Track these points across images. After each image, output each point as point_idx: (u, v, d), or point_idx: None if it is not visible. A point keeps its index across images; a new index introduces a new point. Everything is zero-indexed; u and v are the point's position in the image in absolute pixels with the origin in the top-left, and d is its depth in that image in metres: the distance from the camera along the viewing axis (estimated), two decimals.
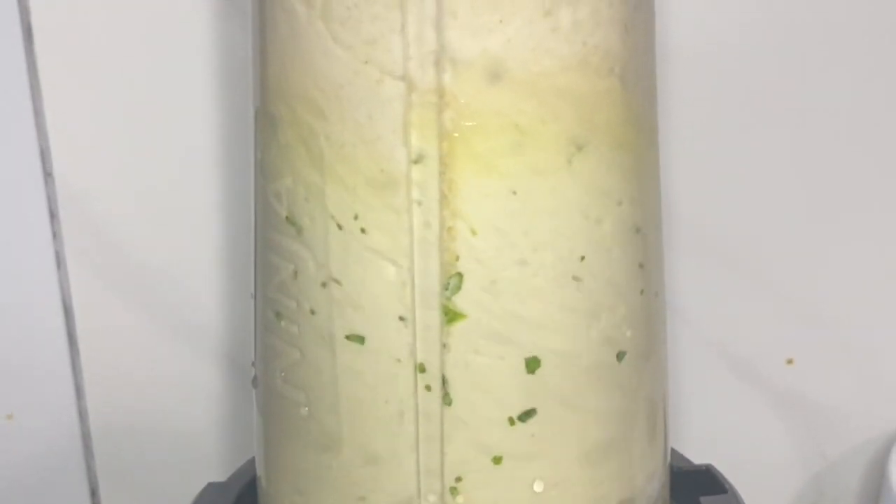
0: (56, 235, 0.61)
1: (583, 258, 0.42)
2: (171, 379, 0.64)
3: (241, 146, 0.60)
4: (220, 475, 0.54)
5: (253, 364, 0.48)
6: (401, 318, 0.42)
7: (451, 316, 0.41)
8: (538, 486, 0.44)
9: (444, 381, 0.42)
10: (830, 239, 0.64)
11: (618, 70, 0.42)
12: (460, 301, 0.41)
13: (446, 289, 0.41)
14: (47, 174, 0.60)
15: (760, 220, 0.64)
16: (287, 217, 0.43)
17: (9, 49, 0.58)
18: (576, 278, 0.42)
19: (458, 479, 0.43)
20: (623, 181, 0.43)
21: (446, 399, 0.42)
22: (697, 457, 0.54)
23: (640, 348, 0.45)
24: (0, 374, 0.63)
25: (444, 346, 0.42)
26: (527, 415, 0.43)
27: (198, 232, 0.62)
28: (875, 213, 0.64)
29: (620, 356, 0.44)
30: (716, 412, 0.67)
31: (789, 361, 0.67)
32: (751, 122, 0.62)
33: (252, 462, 0.52)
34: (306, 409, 0.44)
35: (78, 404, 0.64)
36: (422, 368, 0.42)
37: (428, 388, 0.42)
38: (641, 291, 0.45)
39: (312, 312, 0.43)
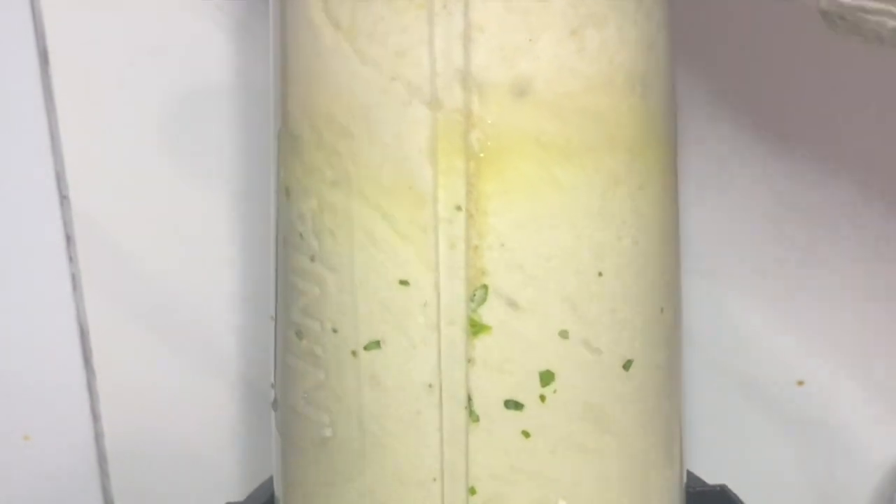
0: (72, 258, 0.60)
1: (601, 274, 0.42)
2: (187, 400, 0.63)
3: (257, 169, 0.59)
4: (236, 496, 0.54)
5: (273, 386, 0.47)
6: (426, 337, 0.41)
7: (476, 329, 0.41)
8: None
9: (469, 399, 0.41)
10: (841, 260, 0.63)
11: (640, 89, 0.42)
12: (485, 314, 0.41)
13: (472, 300, 0.41)
14: (63, 197, 0.59)
15: (770, 240, 0.63)
16: (311, 238, 0.42)
17: (24, 72, 0.57)
18: (594, 294, 0.42)
19: (479, 493, 0.42)
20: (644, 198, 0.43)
21: (472, 416, 0.42)
22: (706, 479, 0.53)
23: (657, 366, 0.45)
24: (17, 395, 0.62)
25: (469, 361, 0.41)
26: (544, 431, 0.42)
27: (214, 254, 0.61)
28: (887, 234, 0.63)
29: (628, 366, 0.43)
30: (724, 434, 0.66)
31: (800, 383, 0.66)
32: (759, 140, 0.61)
33: (269, 482, 0.51)
34: (329, 430, 0.44)
35: (94, 426, 0.63)
36: (447, 386, 0.41)
37: (453, 405, 0.42)
38: (661, 310, 0.44)
39: (335, 331, 0.42)
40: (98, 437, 0.64)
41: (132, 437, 0.64)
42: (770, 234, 0.63)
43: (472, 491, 0.42)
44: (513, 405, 0.42)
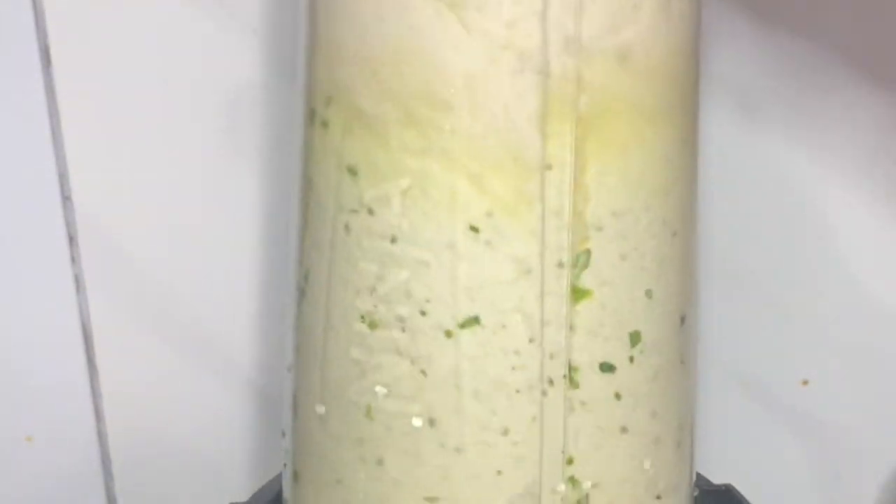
0: (75, 259, 0.60)
1: (675, 234, 0.43)
2: (190, 401, 0.63)
3: (263, 168, 0.59)
4: (240, 497, 0.53)
5: (295, 392, 0.47)
6: (529, 308, 0.41)
7: (578, 295, 0.41)
8: (647, 464, 0.44)
9: (569, 367, 0.42)
10: (846, 259, 0.63)
11: (697, 54, 0.43)
12: (587, 279, 0.41)
13: (575, 266, 0.41)
14: (66, 198, 0.58)
15: (775, 240, 0.63)
16: (395, 218, 0.41)
17: (27, 72, 0.56)
18: (669, 252, 0.43)
19: (575, 462, 0.43)
20: (695, 158, 0.45)
21: (573, 384, 0.42)
22: (711, 478, 0.54)
23: (696, 324, 0.47)
24: (20, 396, 0.62)
25: (570, 328, 0.41)
26: (632, 392, 0.43)
27: (218, 254, 0.61)
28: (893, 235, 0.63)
29: (683, 321, 0.45)
30: (729, 433, 0.66)
31: (804, 383, 0.65)
32: (766, 144, 0.61)
33: (273, 483, 0.51)
34: (420, 419, 0.43)
35: (97, 427, 0.63)
36: (548, 356, 0.41)
37: (554, 374, 0.42)
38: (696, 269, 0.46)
39: (423, 314, 0.42)
40: (101, 437, 0.63)
41: (135, 438, 0.63)
42: (775, 234, 0.62)
43: (569, 461, 0.43)
44: (607, 368, 0.42)
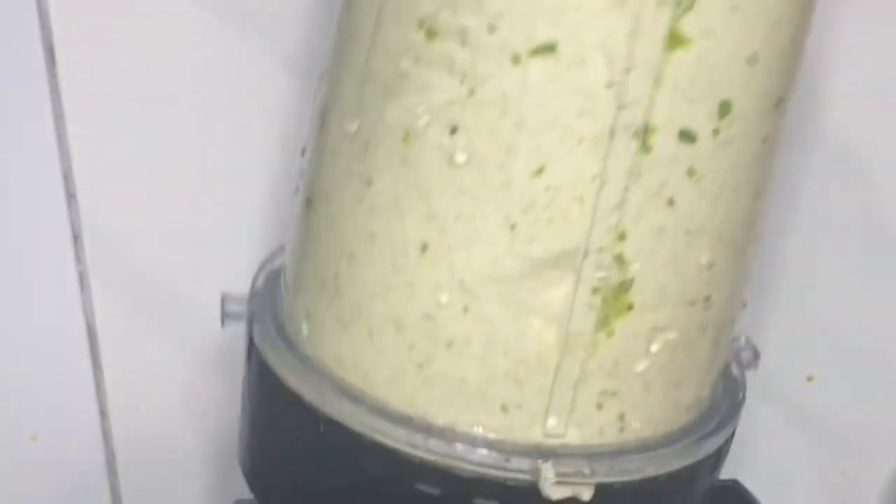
0: (79, 258, 0.59)
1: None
2: (195, 400, 0.62)
3: (269, 169, 0.58)
4: (243, 494, 0.53)
5: (322, 108, 0.41)
6: (616, 45, 0.35)
7: (674, 41, 0.35)
8: (704, 259, 0.39)
9: (646, 127, 0.36)
10: (851, 256, 0.63)
11: None
12: (688, 25, 0.35)
13: (678, 6, 0.35)
14: (70, 197, 0.58)
15: (782, 238, 0.62)
16: None
17: (31, 71, 0.55)
18: (788, 22, 0.38)
19: (627, 239, 0.38)
20: None
21: (644, 147, 0.36)
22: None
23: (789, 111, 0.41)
24: (24, 396, 0.61)
25: (657, 80, 0.35)
26: (709, 171, 0.37)
27: (222, 253, 0.60)
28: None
29: (779, 105, 0.39)
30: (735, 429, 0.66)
31: (809, 379, 0.65)
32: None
33: None
34: (463, 154, 0.37)
35: (102, 426, 0.62)
36: (626, 107, 0.36)
37: (626, 131, 0.36)
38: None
39: (491, 30, 0.36)
40: (106, 436, 0.62)
41: (140, 437, 0.62)
42: (782, 231, 0.62)
43: (620, 235, 0.37)
44: (687, 137, 0.36)
